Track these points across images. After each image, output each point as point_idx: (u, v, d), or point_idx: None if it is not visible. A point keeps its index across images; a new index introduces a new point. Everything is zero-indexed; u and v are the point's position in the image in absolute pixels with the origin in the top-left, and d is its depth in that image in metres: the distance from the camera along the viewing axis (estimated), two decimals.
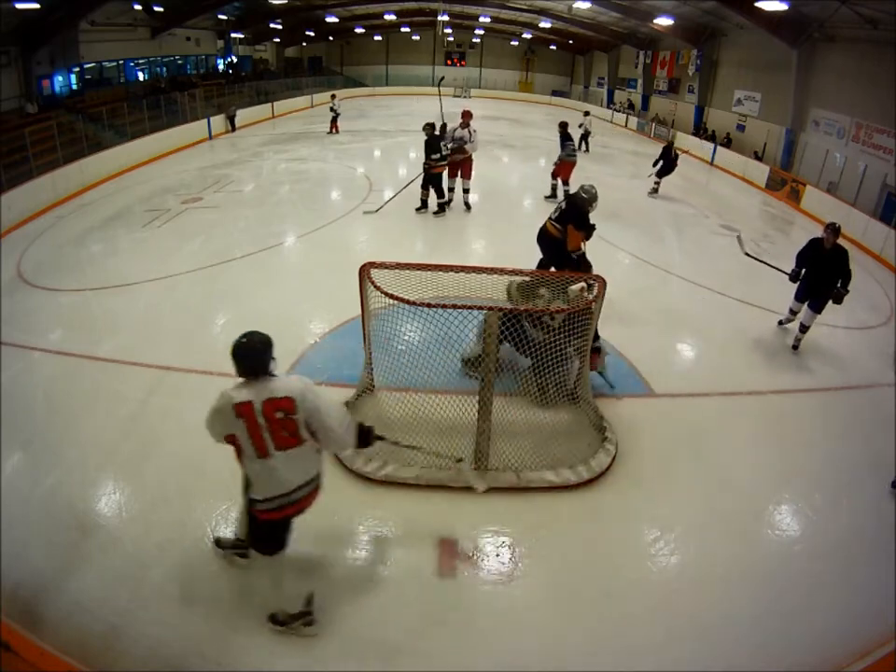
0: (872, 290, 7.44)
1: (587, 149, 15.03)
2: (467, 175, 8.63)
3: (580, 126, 14.66)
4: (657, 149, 11.67)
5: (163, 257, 6.57)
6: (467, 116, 8.41)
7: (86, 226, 8.27)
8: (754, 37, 14.51)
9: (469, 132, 8.27)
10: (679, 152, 11.21)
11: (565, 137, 9.53)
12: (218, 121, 16.56)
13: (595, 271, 3.48)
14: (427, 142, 8.07)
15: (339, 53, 34.78)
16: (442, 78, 10.59)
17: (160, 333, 5.05)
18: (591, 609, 2.75)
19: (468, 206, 8.83)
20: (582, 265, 5.31)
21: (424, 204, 8.55)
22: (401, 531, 3.12)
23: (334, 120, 16.39)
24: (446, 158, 8.12)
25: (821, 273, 5.16)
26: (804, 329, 5.38)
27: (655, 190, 11.04)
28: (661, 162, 10.76)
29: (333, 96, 16.84)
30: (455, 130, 8.31)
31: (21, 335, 4.95)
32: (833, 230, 5.09)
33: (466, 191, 8.78)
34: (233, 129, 16.96)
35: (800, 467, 3.79)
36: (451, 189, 8.71)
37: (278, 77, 26.60)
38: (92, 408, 4.02)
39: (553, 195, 9.67)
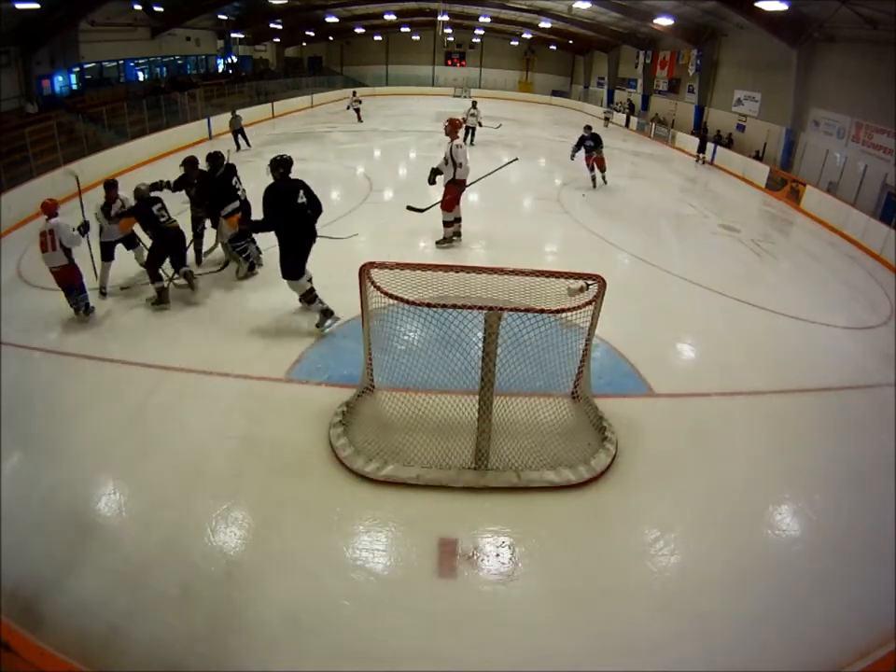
0: (872, 290, 7.44)
1: (471, 142, 14.71)
2: (445, 205, 6.96)
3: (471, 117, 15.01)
4: (657, 149, 11.71)
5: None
6: (454, 125, 6.83)
7: None
8: (754, 37, 14.50)
9: (451, 147, 6.66)
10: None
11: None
12: (218, 121, 16.07)
13: (595, 271, 3.47)
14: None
15: (339, 53, 34.79)
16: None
17: (160, 333, 5.05)
18: (591, 609, 2.75)
19: (444, 239, 7.15)
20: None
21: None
22: (401, 531, 3.12)
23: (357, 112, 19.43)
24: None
25: None
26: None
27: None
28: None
29: (354, 92, 20.25)
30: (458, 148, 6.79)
31: (21, 335, 4.95)
32: None
33: (445, 223, 7.08)
34: (248, 144, 14.15)
35: (800, 467, 3.79)
36: (457, 220, 7.19)
37: (278, 77, 26.59)
38: (92, 408, 4.02)
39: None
